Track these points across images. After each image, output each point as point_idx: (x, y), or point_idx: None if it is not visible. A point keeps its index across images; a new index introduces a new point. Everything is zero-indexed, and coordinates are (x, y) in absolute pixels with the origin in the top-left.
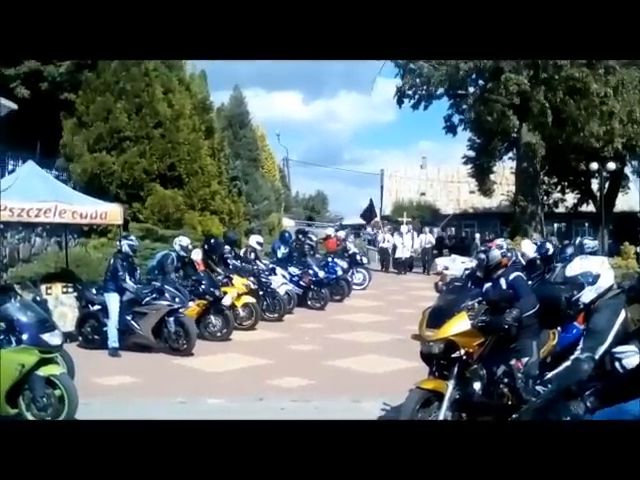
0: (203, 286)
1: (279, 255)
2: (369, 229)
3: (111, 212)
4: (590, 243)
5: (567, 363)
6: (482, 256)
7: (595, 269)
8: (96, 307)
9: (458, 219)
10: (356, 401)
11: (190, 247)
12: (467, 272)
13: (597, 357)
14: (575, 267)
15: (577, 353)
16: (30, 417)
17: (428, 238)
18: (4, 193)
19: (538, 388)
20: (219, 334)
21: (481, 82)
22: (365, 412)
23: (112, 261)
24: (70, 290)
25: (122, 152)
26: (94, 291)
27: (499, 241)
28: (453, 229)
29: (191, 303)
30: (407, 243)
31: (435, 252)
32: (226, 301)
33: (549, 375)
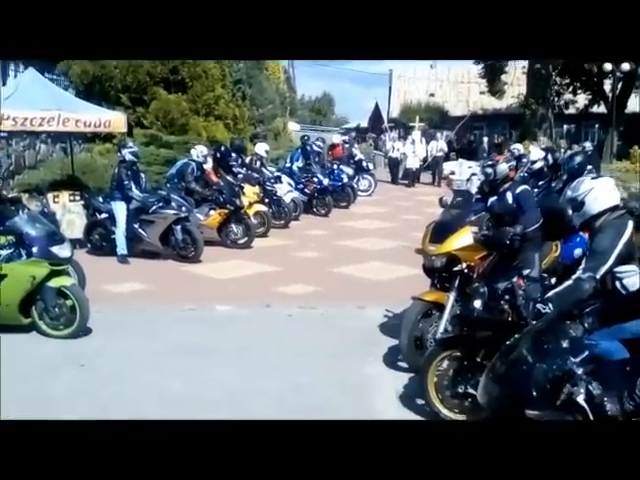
0: (224, 195)
1: (294, 167)
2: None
3: (115, 120)
4: (588, 145)
5: (568, 282)
6: (489, 170)
7: (600, 190)
8: (103, 215)
9: (467, 121)
10: (361, 307)
11: (206, 155)
12: (473, 180)
13: (599, 277)
14: (577, 188)
15: (579, 272)
16: (43, 326)
17: (440, 145)
18: (6, 102)
19: (539, 306)
20: (241, 242)
21: None
22: (369, 319)
23: (116, 170)
24: (77, 198)
25: None
26: (101, 199)
27: (515, 146)
28: (454, 133)
29: (212, 212)
30: (419, 151)
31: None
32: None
33: (550, 294)
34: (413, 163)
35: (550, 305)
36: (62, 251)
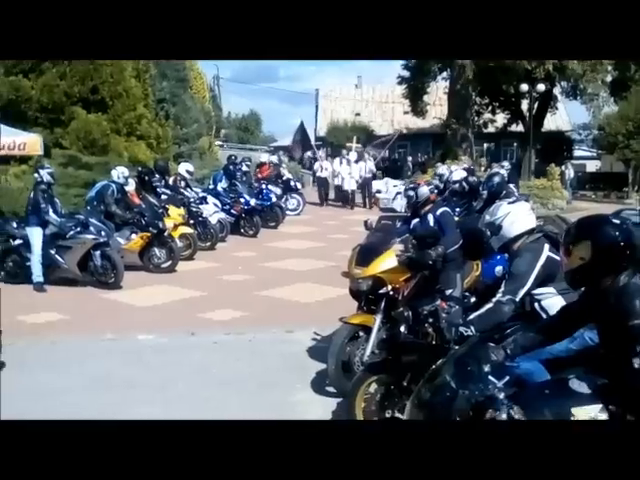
0: (146, 218)
1: (219, 188)
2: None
3: (30, 142)
4: (506, 165)
5: (489, 305)
6: (411, 193)
7: (516, 214)
8: (18, 241)
9: (391, 140)
10: (289, 331)
11: (127, 177)
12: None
13: (518, 299)
14: (494, 212)
15: (499, 295)
16: None
17: (369, 166)
18: None
19: (461, 329)
20: (164, 266)
21: None
22: (297, 343)
23: (32, 194)
24: None
25: (40, 74)
26: (15, 225)
27: (440, 169)
28: (387, 151)
29: (134, 235)
30: (355, 173)
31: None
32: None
33: (471, 317)
34: (350, 185)
35: (472, 328)
36: None
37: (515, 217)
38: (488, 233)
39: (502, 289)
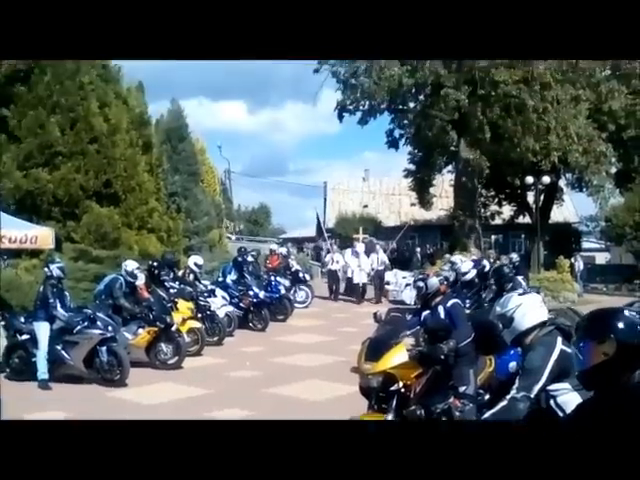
0: (154, 312)
1: (228, 280)
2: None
3: (42, 236)
4: (515, 257)
5: (503, 402)
6: (420, 284)
7: (527, 306)
8: (25, 336)
9: (399, 231)
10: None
11: (138, 271)
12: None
13: (533, 395)
14: (505, 304)
15: (513, 392)
16: None
17: (381, 257)
18: None
19: None
20: (171, 362)
21: (421, 98)
22: None
23: (42, 288)
24: None
25: (55, 168)
26: (22, 319)
27: (453, 257)
28: (394, 242)
29: (141, 330)
30: (364, 265)
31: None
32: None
33: (486, 415)
34: (360, 277)
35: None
36: None
37: (526, 309)
38: (500, 326)
39: (516, 385)
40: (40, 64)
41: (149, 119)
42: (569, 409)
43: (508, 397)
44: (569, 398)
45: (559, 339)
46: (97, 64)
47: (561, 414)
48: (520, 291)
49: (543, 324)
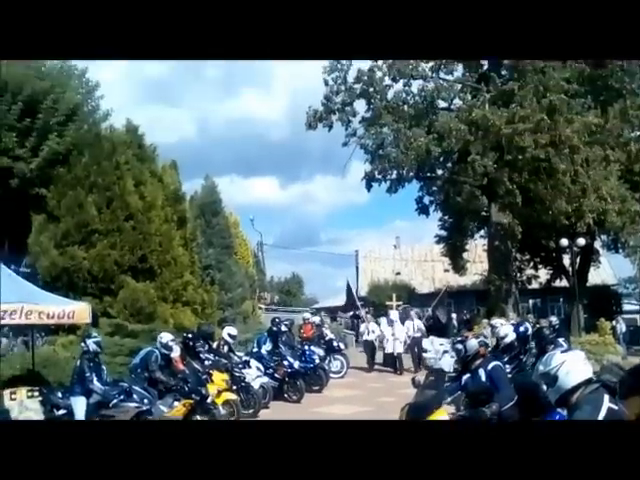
0: (189, 384)
1: (262, 351)
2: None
3: (79, 311)
4: (554, 320)
5: None
6: (459, 347)
7: (571, 364)
8: (62, 411)
9: (434, 298)
10: None
11: (173, 344)
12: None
13: None
14: (548, 362)
15: None
16: None
17: (416, 324)
18: None
19: None
20: None
21: (449, 165)
22: None
23: (79, 363)
24: (35, 394)
25: (92, 246)
26: (59, 395)
27: (493, 321)
28: (430, 309)
29: (176, 403)
30: (399, 333)
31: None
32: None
33: None
34: (395, 347)
35: None
36: None
37: (571, 366)
38: (544, 386)
39: None
40: (78, 146)
41: (183, 195)
42: None
43: None
44: None
45: (606, 397)
46: (133, 144)
47: None
48: (563, 348)
49: (588, 382)
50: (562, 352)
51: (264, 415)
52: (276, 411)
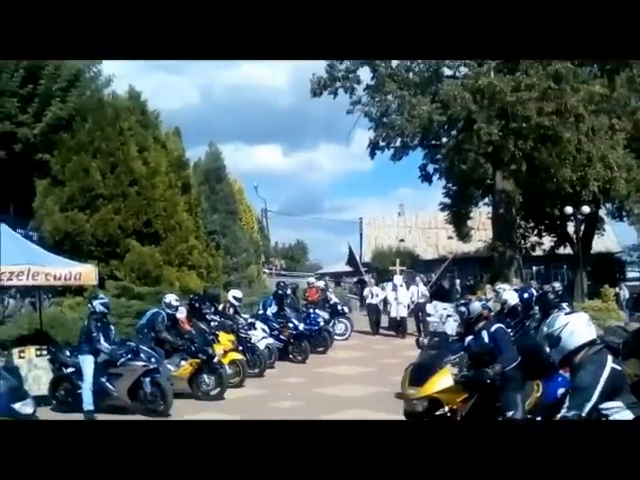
0: (196, 344)
1: (268, 313)
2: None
3: (85, 273)
4: (558, 285)
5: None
6: (463, 309)
7: (575, 325)
8: (70, 369)
9: (438, 264)
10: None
11: (178, 304)
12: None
13: (585, 414)
14: (552, 323)
15: (564, 411)
16: None
17: (421, 290)
18: None
19: None
20: (213, 393)
21: (453, 132)
22: None
23: (86, 322)
24: (44, 353)
25: (95, 210)
26: (68, 353)
27: (498, 287)
28: (433, 275)
29: (183, 362)
30: (402, 298)
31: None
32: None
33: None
34: (399, 311)
35: None
36: (24, 407)
37: (574, 327)
38: (547, 348)
39: (567, 404)
40: (81, 111)
41: (187, 162)
42: None
43: (559, 416)
44: (621, 417)
45: (609, 357)
46: (136, 110)
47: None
48: (567, 310)
49: (592, 343)
50: (566, 314)
51: (269, 375)
52: (281, 371)
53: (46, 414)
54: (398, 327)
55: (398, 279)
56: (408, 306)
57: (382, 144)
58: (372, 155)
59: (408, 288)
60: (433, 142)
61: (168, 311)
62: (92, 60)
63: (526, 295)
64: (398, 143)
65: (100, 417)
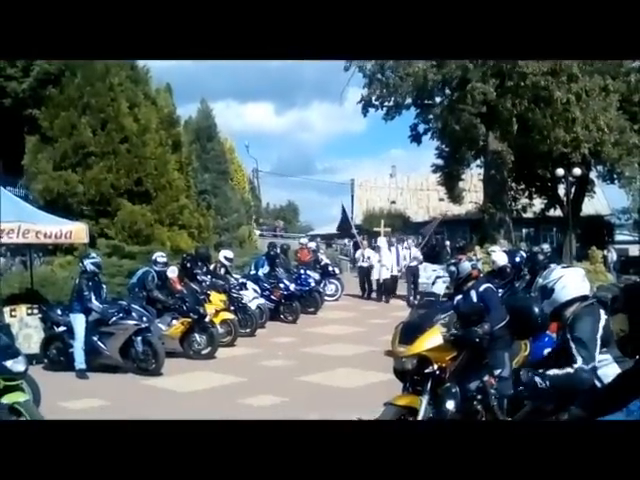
0: (187, 304)
1: (259, 273)
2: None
3: (76, 231)
4: (546, 247)
5: (568, 369)
6: (452, 268)
7: (570, 278)
8: (61, 328)
9: (428, 225)
10: (330, 418)
11: (165, 260)
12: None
13: (598, 364)
14: (547, 275)
15: (580, 362)
16: None
17: (413, 253)
18: None
19: (537, 379)
20: (204, 352)
21: (448, 92)
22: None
23: (77, 281)
24: (35, 311)
25: (88, 168)
26: (59, 312)
27: (490, 248)
28: (420, 237)
29: (175, 321)
30: (386, 260)
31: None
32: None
33: (549, 372)
34: (382, 274)
35: (547, 382)
36: (16, 365)
37: (568, 281)
38: (536, 309)
39: (578, 357)
40: (70, 66)
41: (178, 119)
42: (608, 381)
43: (576, 366)
44: (609, 370)
45: (602, 311)
46: (126, 65)
47: (599, 385)
48: (563, 264)
49: (584, 298)
50: (562, 267)
51: (260, 334)
52: (272, 331)
53: (38, 372)
54: (382, 291)
55: (382, 241)
56: (400, 270)
57: (375, 102)
58: (365, 112)
59: (393, 251)
60: (427, 102)
61: (156, 268)
62: (92, 60)
63: (517, 259)
64: (391, 102)
65: (91, 375)
